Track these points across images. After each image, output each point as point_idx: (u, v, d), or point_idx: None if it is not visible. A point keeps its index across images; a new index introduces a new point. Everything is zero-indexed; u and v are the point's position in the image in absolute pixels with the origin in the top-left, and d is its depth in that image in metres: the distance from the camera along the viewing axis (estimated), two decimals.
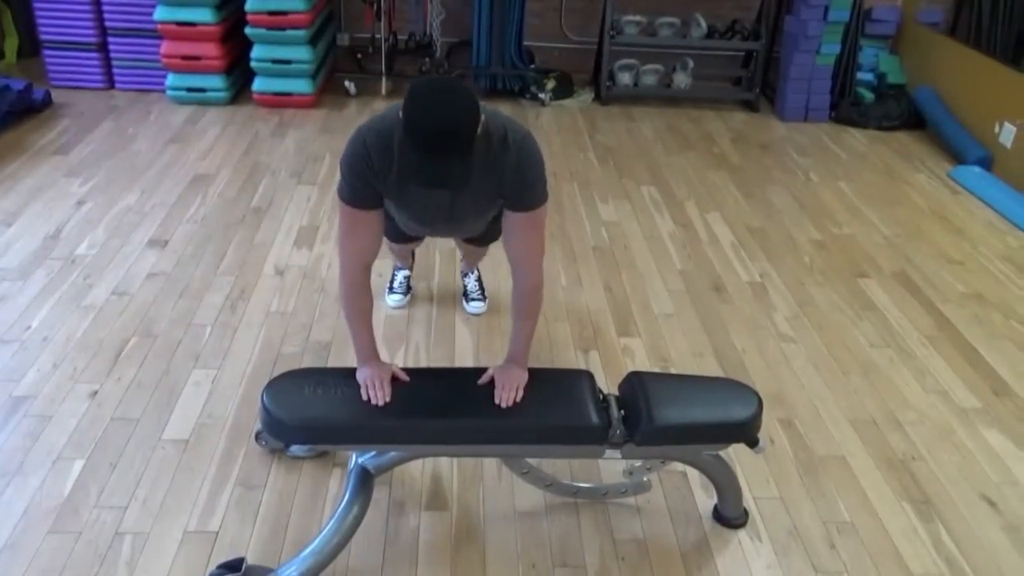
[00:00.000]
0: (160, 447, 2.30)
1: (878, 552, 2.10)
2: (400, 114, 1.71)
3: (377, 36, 5.14)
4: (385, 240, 2.22)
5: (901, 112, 5.16)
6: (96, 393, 2.48)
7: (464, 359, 2.75)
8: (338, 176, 1.92)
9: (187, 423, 2.39)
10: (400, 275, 3.01)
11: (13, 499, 2.10)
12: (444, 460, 2.30)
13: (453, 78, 1.75)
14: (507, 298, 3.05)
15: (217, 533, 2.04)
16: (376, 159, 1.85)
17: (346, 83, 5.19)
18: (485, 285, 3.05)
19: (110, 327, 2.79)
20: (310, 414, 1.90)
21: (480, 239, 2.50)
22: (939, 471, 2.39)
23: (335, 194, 2.03)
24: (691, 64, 5.38)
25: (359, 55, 5.40)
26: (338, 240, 2.00)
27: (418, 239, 2.64)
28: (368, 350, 2.01)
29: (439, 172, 1.68)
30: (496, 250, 2.51)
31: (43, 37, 4.87)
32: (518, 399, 1.93)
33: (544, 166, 1.94)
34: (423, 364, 2.72)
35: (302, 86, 4.86)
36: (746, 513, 2.17)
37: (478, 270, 3.03)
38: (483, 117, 1.73)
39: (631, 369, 2.71)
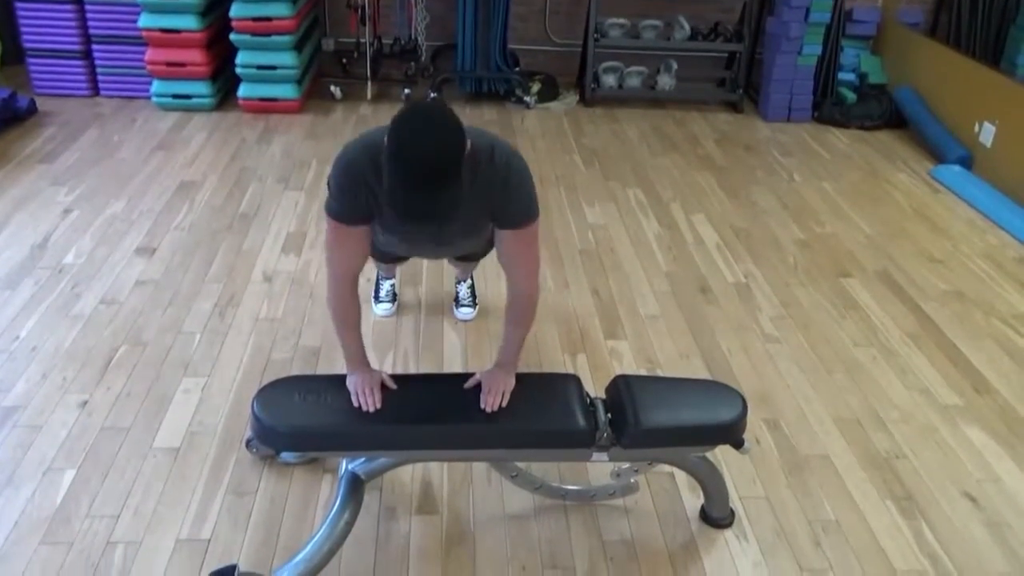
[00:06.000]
0: (151, 455, 2.31)
1: (862, 550, 2.14)
2: (385, 140, 1.68)
3: (362, 41, 5.15)
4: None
5: (883, 112, 5.22)
6: (86, 403, 2.49)
7: (453, 364, 2.77)
8: (324, 188, 1.92)
9: (178, 431, 2.40)
10: (386, 284, 3.02)
11: (4, 510, 2.10)
12: (434, 464, 2.32)
13: (437, 105, 1.69)
14: (496, 302, 3.08)
15: (209, 541, 2.05)
16: (369, 174, 1.84)
17: (332, 88, 5.20)
18: (477, 291, 3.07)
19: (99, 336, 2.80)
20: (300, 421, 1.91)
21: (470, 256, 2.50)
22: (922, 469, 2.43)
23: (322, 205, 2.04)
24: (675, 66, 5.42)
25: (344, 60, 5.41)
26: (325, 254, 2.01)
27: (404, 258, 2.64)
28: (357, 357, 2.02)
29: (426, 207, 1.64)
30: (489, 256, 2.53)
31: (27, 45, 4.85)
32: (503, 404, 1.95)
33: (533, 182, 1.95)
34: (412, 370, 2.74)
35: (287, 91, 4.86)
36: (732, 513, 2.20)
37: (472, 278, 3.05)
38: (468, 142, 1.70)
39: (619, 372, 2.75)
